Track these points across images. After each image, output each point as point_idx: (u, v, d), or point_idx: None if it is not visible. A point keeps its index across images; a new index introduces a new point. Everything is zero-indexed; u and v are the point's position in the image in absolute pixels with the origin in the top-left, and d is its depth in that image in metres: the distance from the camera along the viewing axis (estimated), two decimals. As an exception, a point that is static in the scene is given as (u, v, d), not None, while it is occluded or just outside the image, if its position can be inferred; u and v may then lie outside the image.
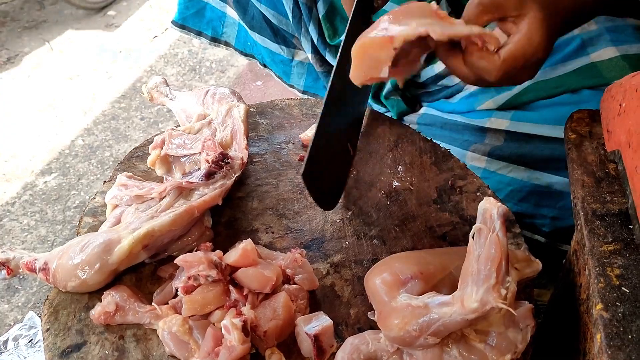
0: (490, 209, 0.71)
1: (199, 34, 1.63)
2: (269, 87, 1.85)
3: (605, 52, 1.17)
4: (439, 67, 1.36)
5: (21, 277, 1.70)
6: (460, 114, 1.33)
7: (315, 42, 1.45)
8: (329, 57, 1.48)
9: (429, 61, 1.38)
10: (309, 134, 1.09)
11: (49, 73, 2.51)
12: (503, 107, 1.26)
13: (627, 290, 0.65)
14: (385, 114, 1.32)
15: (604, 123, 0.80)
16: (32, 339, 1.31)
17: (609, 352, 0.60)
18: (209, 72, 2.53)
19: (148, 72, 2.54)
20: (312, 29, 1.42)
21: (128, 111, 2.36)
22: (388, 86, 1.40)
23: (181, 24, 1.62)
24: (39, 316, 1.39)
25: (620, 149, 0.74)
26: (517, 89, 1.24)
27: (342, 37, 0.98)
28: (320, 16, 1.41)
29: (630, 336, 0.61)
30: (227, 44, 1.64)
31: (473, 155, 1.27)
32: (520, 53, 0.82)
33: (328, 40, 1.45)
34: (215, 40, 1.64)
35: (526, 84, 1.22)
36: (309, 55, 1.50)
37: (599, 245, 0.70)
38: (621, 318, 0.63)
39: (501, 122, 1.25)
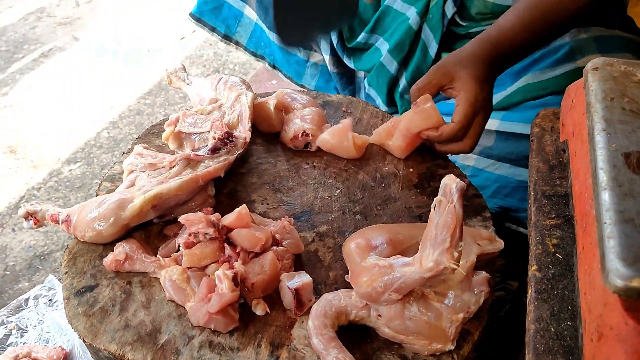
0: (450, 184, 0.81)
1: (212, 29, 1.71)
2: (283, 85, 1.96)
3: (591, 59, 1.27)
4: None
5: (42, 257, 1.83)
6: None
7: (335, 44, 1.56)
8: (345, 59, 1.58)
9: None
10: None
11: (80, 68, 2.63)
12: (495, 108, 1.37)
13: (560, 257, 0.76)
14: (393, 114, 1.44)
15: (561, 118, 0.90)
16: (51, 299, 1.44)
17: (536, 303, 0.71)
18: (231, 74, 2.64)
19: (174, 71, 2.66)
20: (332, 32, 1.54)
21: (152, 107, 2.46)
22: (404, 83, 1.51)
23: (198, 17, 1.70)
24: (58, 280, 1.52)
25: (568, 138, 0.84)
26: (508, 89, 1.34)
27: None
28: None
29: (556, 292, 0.72)
30: (237, 43, 1.73)
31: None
32: (467, 106, 1.07)
33: (346, 42, 1.56)
34: (227, 38, 1.72)
35: (516, 85, 1.33)
36: (326, 57, 1.60)
37: (543, 220, 0.81)
38: (551, 277, 0.73)
39: (492, 123, 1.33)
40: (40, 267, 1.78)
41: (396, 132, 1.13)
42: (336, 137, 1.13)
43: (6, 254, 1.81)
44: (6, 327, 1.38)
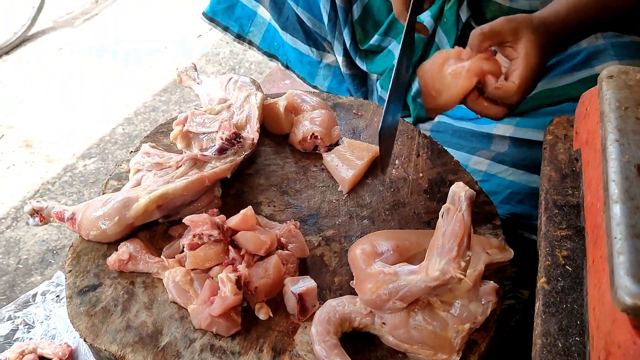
0: (458, 192, 0.79)
1: (225, 29, 1.70)
2: (296, 85, 1.96)
3: (608, 65, 1.24)
4: None
5: (55, 252, 1.84)
6: (470, 120, 1.41)
7: (348, 46, 1.54)
8: (358, 61, 1.57)
9: None
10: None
11: (96, 64, 2.65)
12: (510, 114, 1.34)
13: (570, 269, 0.73)
14: (405, 118, 1.42)
15: (575, 126, 0.88)
16: (58, 295, 1.44)
17: (543, 316, 0.69)
18: (247, 73, 2.61)
19: (190, 68, 2.66)
20: (346, 32, 1.51)
21: (168, 104, 2.46)
22: (416, 86, 1.48)
23: (211, 16, 1.69)
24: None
25: (581, 147, 0.82)
26: None
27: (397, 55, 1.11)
28: (353, 20, 1.51)
29: (565, 306, 0.70)
30: (250, 42, 1.71)
31: (477, 159, 1.35)
32: (528, 72, 0.98)
33: (359, 44, 1.54)
34: (239, 37, 1.70)
35: (534, 91, 1.30)
36: (339, 58, 1.59)
37: (553, 230, 0.78)
38: (560, 291, 0.71)
39: (507, 128, 1.31)
40: (52, 261, 1.79)
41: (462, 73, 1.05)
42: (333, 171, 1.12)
43: (19, 247, 1.82)
44: (13, 322, 1.39)
